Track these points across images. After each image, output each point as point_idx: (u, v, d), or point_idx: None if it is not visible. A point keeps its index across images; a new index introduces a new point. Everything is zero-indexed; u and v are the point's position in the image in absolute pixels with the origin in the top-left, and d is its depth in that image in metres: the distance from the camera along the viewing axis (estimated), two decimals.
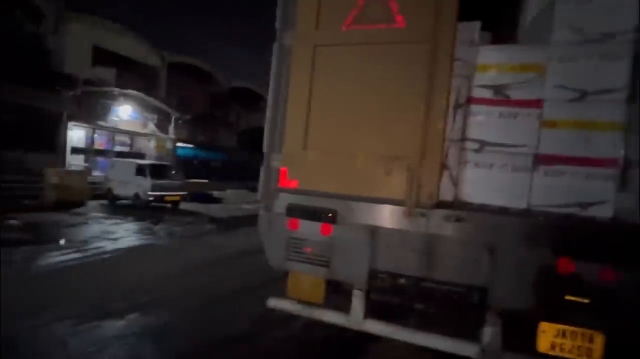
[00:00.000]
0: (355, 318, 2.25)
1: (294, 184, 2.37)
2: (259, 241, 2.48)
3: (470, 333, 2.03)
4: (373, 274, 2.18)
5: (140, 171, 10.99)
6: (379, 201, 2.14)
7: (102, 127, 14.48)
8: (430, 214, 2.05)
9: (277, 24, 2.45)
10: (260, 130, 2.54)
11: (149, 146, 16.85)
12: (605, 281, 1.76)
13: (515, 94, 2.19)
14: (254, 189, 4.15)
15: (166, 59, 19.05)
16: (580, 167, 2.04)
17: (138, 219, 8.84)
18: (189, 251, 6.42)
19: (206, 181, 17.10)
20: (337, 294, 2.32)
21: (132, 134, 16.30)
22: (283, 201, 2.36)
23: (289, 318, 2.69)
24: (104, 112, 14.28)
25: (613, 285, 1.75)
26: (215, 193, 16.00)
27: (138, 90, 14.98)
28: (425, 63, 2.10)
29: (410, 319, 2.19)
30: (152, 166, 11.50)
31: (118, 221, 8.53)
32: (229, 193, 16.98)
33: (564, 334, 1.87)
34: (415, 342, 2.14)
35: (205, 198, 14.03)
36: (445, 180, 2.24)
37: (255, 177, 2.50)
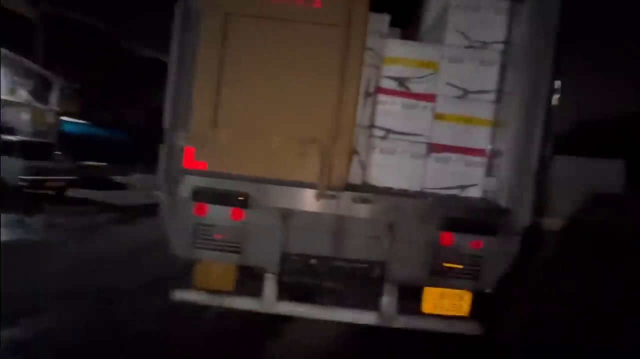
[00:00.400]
0: (267, 301, 2.24)
1: (202, 166, 2.16)
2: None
3: (372, 303, 2.25)
4: (285, 257, 2.18)
5: (6, 149, 8.55)
6: (293, 183, 2.13)
7: None
8: (340, 196, 2.14)
9: None
10: None
11: (21, 119, 13.21)
12: (474, 249, 2.15)
13: (415, 88, 2.41)
14: None
15: (47, 14, 14.85)
16: (461, 155, 2.41)
17: (2, 209, 7.02)
18: (79, 245, 5.32)
19: (104, 164, 14.43)
20: (247, 279, 2.26)
21: None
22: (189, 184, 2.13)
23: (199, 309, 2.51)
24: None
25: (479, 252, 2.15)
26: (118, 178, 13.71)
27: (5, 47, 11.46)
28: (339, 47, 2.12)
29: (320, 297, 2.30)
30: (23, 143, 8.99)
31: None
32: (134, 178, 14.68)
33: (443, 296, 2.23)
34: (325, 318, 2.27)
35: (104, 184, 11.89)
36: (355, 164, 2.37)
37: None
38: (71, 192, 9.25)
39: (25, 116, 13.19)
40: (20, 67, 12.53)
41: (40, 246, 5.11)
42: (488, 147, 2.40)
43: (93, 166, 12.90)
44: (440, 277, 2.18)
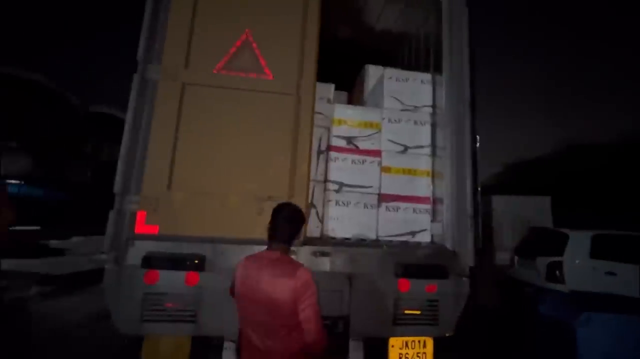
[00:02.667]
0: None
1: (154, 230, 2.04)
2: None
3: None
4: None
5: None
6: (251, 242, 2.08)
7: None
8: (299, 251, 2.12)
9: (139, 55, 2.21)
10: None
11: None
12: (430, 293, 2.20)
13: (362, 145, 2.63)
14: None
15: None
16: (408, 203, 2.58)
17: None
18: (2, 330, 4.46)
19: (37, 227, 12.75)
20: (203, 351, 2.03)
21: None
22: (139, 251, 1.98)
23: None
24: None
25: (435, 296, 2.20)
26: (54, 242, 12.09)
27: None
28: (291, 113, 2.28)
29: None
30: None
31: None
32: (75, 241, 13.00)
33: (406, 345, 2.19)
34: None
35: (37, 251, 10.37)
36: (312, 217, 2.41)
37: None
38: None
39: None
40: None
41: None
42: (430, 195, 2.61)
43: (23, 231, 11.33)
44: (402, 325, 2.16)
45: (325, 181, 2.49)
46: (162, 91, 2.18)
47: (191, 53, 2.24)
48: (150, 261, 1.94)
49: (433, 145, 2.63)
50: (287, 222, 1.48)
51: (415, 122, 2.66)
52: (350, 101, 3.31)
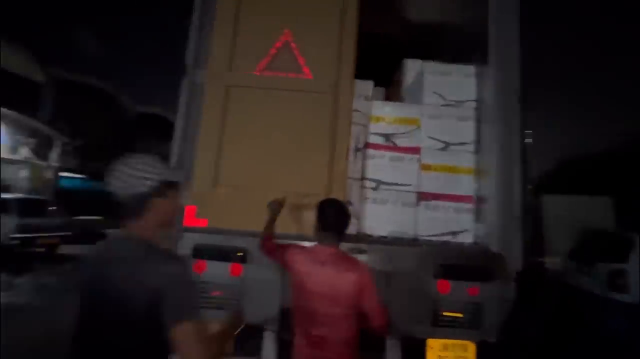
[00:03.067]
0: None
1: (202, 223, 2.19)
2: None
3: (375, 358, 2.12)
4: (285, 313, 2.11)
5: (1, 207, 8.53)
6: (290, 237, 2.15)
7: None
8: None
9: (188, 61, 2.38)
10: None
11: (19, 176, 13.39)
12: (472, 296, 2.10)
13: (400, 142, 2.57)
14: None
15: (54, 76, 16.00)
16: (449, 202, 2.48)
17: None
18: (63, 308, 5.00)
19: (99, 217, 14.28)
20: (245, 339, 2.15)
21: None
22: (188, 242, 2.14)
23: None
24: None
25: (477, 299, 2.10)
26: (110, 231, 13.47)
27: (12, 108, 12.09)
28: (329, 111, 2.31)
29: None
30: (18, 200, 8.63)
31: None
32: None
33: (446, 348, 2.12)
34: None
35: (99, 238, 11.55)
36: None
37: None
38: (64, 249, 8.77)
39: (23, 173, 13.36)
40: (25, 126, 12.97)
41: (23, 310, 4.59)
42: (474, 194, 2.49)
43: (88, 221, 12.72)
44: (442, 327, 2.10)
45: (362, 178, 2.48)
46: (208, 94, 2.32)
47: (234, 57, 2.36)
48: (199, 252, 2.09)
49: (477, 141, 2.50)
50: (339, 218, 1.51)
51: (458, 118, 2.54)
52: (388, 97, 3.25)
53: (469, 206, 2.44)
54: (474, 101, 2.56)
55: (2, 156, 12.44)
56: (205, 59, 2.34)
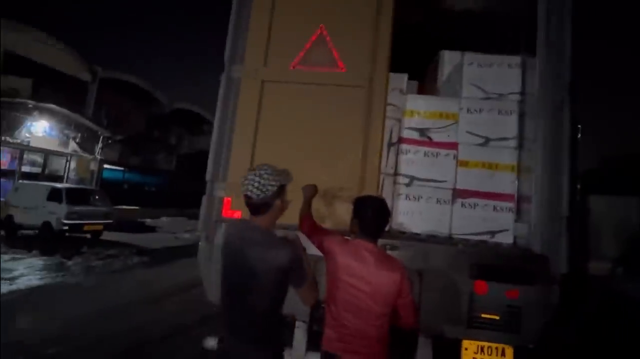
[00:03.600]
0: (297, 351, 2.15)
1: (238, 215, 2.26)
2: (194, 274, 2.26)
3: (406, 356, 2.10)
4: (316, 305, 2.14)
5: (53, 195, 8.70)
6: None
7: (6, 143, 12.11)
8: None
9: (226, 57, 2.43)
10: (204, 154, 2.42)
11: (67, 168, 14.59)
12: (511, 299, 2.00)
13: (436, 137, 2.48)
14: (193, 217, 3.70)
15: (98, 74, 17.15)
16: (487, 200, 2.36)
17: (46, 253, 7.05)
18: (111, 289, 5.23)
19: (137, 207, 15.23)
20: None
21: (47, 153, 13.79)
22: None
23: None
24: (13, 126, 12.09)
25: (517, 303, 2.00)
26: (148, 221, 14.27)
27: (61, 105, 13.14)
28: (364, 105, 2.27)
29: None
30: (69, 189, 9.16)
31: (18, 256, 6.72)
32: (164, 221, 15.15)
33: (482, 350, 2.04)
34: None
35: (136, 227, 12.40)
36: None
37: (197, 203, 2.33)
38: (107, 235, 9.33)
39: (72, 165, 14.51)
40: (72, 121, 13.99)
41: (76, 289, 5.12)
42: (515, 192, 2.35)
43: (127, 210, 13.57)
44: (478, 329, 2.02)
45: (395, 174, 2.43)
46: (244, 88, 2.37)
47: (269, 52, 2.38)
48: None
49: (520, 137, 2.35)
50: (379, 219, 1.48)
51: (500, 112, 2.40)
52: (422, 91, 3.13)
53: (510, 204, 2.31)
54: (518, 93, 2.40)
55: (53, 149, 13.65)
56: (242, 55, 2.39)
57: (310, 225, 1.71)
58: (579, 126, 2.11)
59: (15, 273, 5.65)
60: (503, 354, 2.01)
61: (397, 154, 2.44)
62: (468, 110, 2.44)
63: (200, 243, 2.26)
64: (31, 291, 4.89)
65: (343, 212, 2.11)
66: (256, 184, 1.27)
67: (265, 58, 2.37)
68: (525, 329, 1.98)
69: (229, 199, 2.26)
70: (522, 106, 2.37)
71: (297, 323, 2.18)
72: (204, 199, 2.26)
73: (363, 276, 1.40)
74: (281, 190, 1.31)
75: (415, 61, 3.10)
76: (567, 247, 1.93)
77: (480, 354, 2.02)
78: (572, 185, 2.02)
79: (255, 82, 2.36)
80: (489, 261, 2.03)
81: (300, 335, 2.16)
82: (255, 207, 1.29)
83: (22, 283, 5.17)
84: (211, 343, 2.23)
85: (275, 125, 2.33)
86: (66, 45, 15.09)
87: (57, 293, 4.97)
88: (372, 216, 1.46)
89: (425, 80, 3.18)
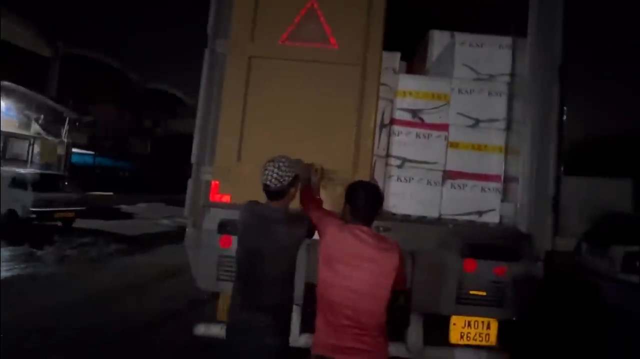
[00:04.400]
0: (291, 334, 2.15)
1: (226, 199, 2.16)
2: (178, 260, 2.17)
3: (398, 332, 2.15)
4: (310, 288, 2.12)
5: (16, 182, 8.14)
6: None
7: None
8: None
9: (209, 30, 2.25)
10: (181, 137, 2.27)
11: (31, 152, 13.51)
12: (498, 276, 2.08)
13: (428, 118, 2.46)
14: (172, 202, 3.48)
15: (60, 50, 15.59)
16: (476, 181, 2.40)
17: (13, 243, 6.57)
18: (88, 278, 4.97)
19: (111, 193, 14.48)
20: None
21: (6, 135, 12.22)
22: (214, 217, 2.13)
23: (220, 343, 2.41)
24: None
25: (503, 279, 2.08)
26: (124, 207, 13.68)
27: (19, 83, 11.99)
28: (356, 84, 2.19)
29: None
30: (34, 175, 8.68)
31: None
32: (141, 207, 14.53)
33: (469, 325, 2.13)
34: None
35: (111, 213, 11.84)
36: None
37: (175, 188, 2.21)
38: (79, 223, 8.80)
39: (35, 148, 13.45)
40: (33, 101, 12.69)
41: (50, 279, 4.83)
42: (502, 173, 2.40)
43: (100, 196, 12.90)
44: (465, 305, 2.10)
45: (387, 155, 2.41)
46: (230, 65, 2.21)
47: (257, 26, 2.22)
48: (226, 227, 2.08)
49: (509, 118, 2.38)
50: (371, 204, 1.44)
51: (490, 93, 2.41)
52: (410, 71, 3.08)
53: (497, 185, 2.36)
54: (508, 74, 2.41)
55: (13, 131, 12.49)
56: (227, 28, 2.21)
57: (307, 195, 1.67)
58: (565, 108, 2.14)
59: None
60: (488, 327, 2.11)
61: (389, 136, 2.40)
62: (459, 91, 2.42)
63: (187, 229, 2.16)
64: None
65: (338, 196, 2.06)
66: (275, 175, 1.43)
67: (252, 32, 2.20)
68: (509, 303, 2.07)
69: (217, 182, 2.15)
70: (512, 87, 2.38)
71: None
72: (190, 183, 2.14)
73: (365, 257, 1.34)
74: (295, 179, 1.49)
75: (404, 40, 3.02)
76: (553, 226, 2.00)
77: (467, 328, 2.11)
78: (558, 166, 2.08)
79: (241, 59, 2.21)
80: (478, 240, 2.08)
81: (294, 317, 2.15)
82: (274, 194, 1.47)
83: None
84: (201, 329, 2.18)
85: (264, 104, 2.21)
86: (22, 17, 13.58)
87: (28, 284, 4.68)
88: (365, 201, 1.42)
89: (413, 60, 3.12)
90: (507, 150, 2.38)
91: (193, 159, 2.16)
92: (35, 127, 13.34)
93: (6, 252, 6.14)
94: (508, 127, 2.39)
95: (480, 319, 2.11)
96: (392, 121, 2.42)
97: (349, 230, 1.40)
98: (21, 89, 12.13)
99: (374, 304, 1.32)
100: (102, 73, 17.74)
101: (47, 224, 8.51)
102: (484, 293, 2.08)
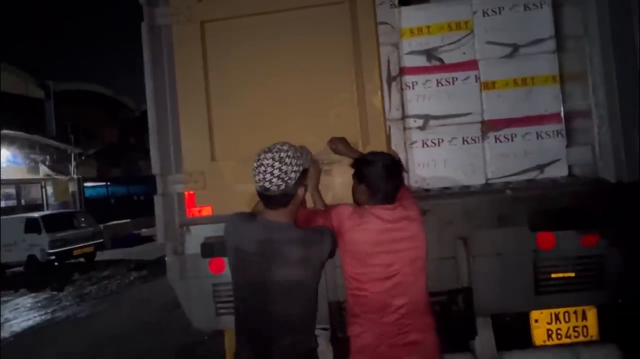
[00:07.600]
0: None
1: (207, 211, 1.66)
2: None
3: (461, 342, 1.62)
4: (335, 307, 1.61)
5: (31, 226, 7.96)
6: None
7: None
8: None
9: None
10: None
11: (45, 194, 13.54)
12: (588, 247, 1.50)
13: (448, 58, 1.83)
14: None
15: (51, 88, 15.47)
16: (527, 127, 1.78)
17: (35, 288, 6.40)
18: (107, 315, 4.72)
19: (128, 220, 14.44)
20: None
21: (17, 183, 12.43)
22: (197, 238, 1.63)
23: None
24: None
25: (596, 251, 1.50)
26: (144, 231, 13.61)
27: (18, 129, 11.88)
28: (347, 28, 1.60)
29: None
30: (47, 217, 8.43)
31: (4, 298, 6.01)
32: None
33: (557, 318, 1.57)
34: None
35: (131, 240, 11.76)
36: None
37: None
38: (101, 256, 8.67)
39: (48, 190, 13.47)
40: (36, 144, 12.64)
41: (70, 323, 4.60)
42: (561, 110, 1.78)
43: (117, 225, 12.85)
44: (548, 294, 1.53)
45: (404, 117, 1.82)
46: (178, 38, 1.67)
47: None
48: (213, 248, 1.56)
49: (559, 34, 1.74)
50: (392, 177, 1.17)
51: (526, 7, 1.76)
52: (413, 1, 2.37)
53: (557, 126, 1.74)
54: None
55: (23, 177, 12.51)
56: None
57: (302, 215, 1.25)
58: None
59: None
60: (584, 317, 1.55)
61: (401, 91, 1.81)
62: (484, 13, 1.79)
63: (166, 259, 1.67)
64: (17, 337, 4.33)
65: (344, 181, 1.51)
66: (276, 172, 0.99)
67: None
68: (608, 283, 1.50)
69: (191, 193, 1.64)
70: None
71: (317, 331, 1.66)
72: (157, 200, 1.64)
73: (398, 238, 1.13)
74: (303, 175, 1.06)
75: None
76: None
77: (556, 323, 1.55)
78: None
79: (191, 27, 1.66)
80: (551, 205, 1.50)
81: (323, 346, 1.65)
82: (276, 200, 1.02)
83: (6, 330, 4.58)
84: None
85: (233, 82, 1.67)
86: (6, 63, 13.40)
87: (47, 332, 4.42)
88: (382, 176, 1.16)
89: None
90: (563, 78, 1.75)
91: (155, 170, 1.64)
92: (43, 169, 13.33)
93: (28, 300, 5.97)
94: (560, 48, 1.75)
95: (571, 309, 1.54)
96: (402, 70, 1.82)
97: (370, 214, 1.15)
98: (22, 134, 12.05)
99: (421, 280, 1.17)
100: (95, 102, 17.57)
101: (68, 263, 8.41)
102: (572, 274, 1.50)
